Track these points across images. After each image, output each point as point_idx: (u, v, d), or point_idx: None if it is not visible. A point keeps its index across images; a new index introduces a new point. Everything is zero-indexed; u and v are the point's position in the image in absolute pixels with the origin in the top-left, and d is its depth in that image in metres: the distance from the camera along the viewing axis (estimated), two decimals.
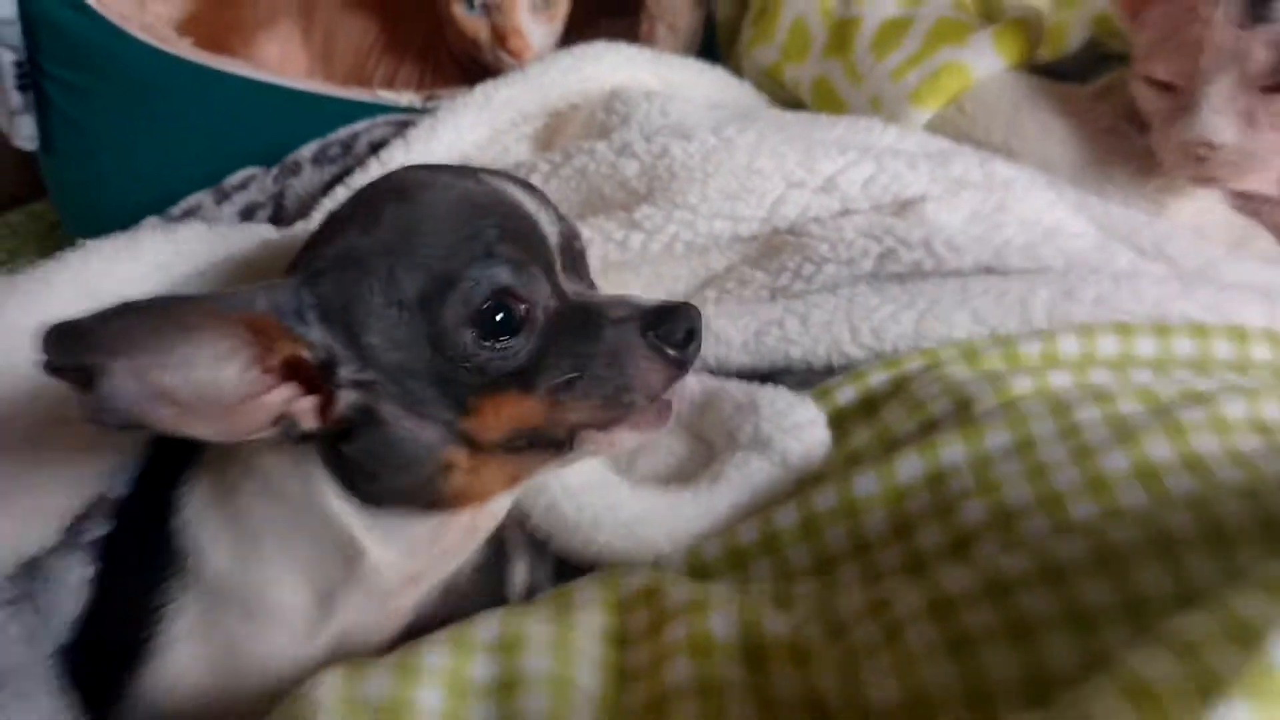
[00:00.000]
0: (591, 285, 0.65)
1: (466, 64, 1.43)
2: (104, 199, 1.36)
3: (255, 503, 0.61)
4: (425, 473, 0.58)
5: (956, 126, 1.07)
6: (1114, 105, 1.05)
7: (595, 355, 0.57)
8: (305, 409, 0.56)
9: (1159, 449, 0.62)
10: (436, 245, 0.56)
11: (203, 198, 1.13)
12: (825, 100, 1.17)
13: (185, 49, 1.31)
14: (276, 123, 1.27)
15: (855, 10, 1.16)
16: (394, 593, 0.64)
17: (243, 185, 1.11)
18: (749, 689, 0.53)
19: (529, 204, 0.61)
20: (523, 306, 0.56)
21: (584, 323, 0.58)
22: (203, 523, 0.62)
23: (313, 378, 0.56)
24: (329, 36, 1.54)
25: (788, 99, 1.23)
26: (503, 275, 0.56)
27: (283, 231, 0.74)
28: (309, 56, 1.55)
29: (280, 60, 1.53)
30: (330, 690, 0.52)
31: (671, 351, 0.58)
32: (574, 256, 0.64)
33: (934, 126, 1.08)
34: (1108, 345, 0.79)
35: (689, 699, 0.52)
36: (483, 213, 0.58)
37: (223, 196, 1.11)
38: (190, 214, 1.11)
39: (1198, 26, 0.91)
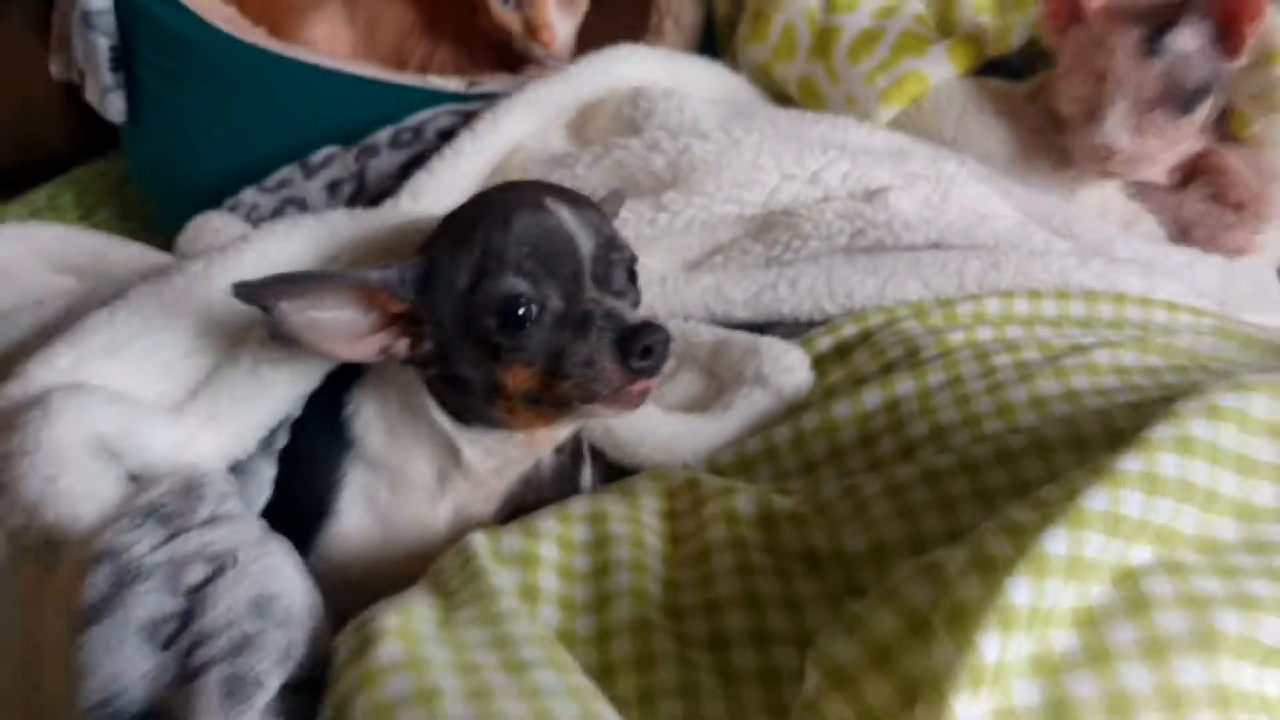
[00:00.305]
0: (620, 291, 0.81)
1: (497, 48, 1.64)
2: (185, 169, 1.55)
3: (395, 406, 0.86)
4: (478, 404, 0.82)
5: (915, 123, 1.31)
6: (1040, 108, 1.28)
7: (575, 354, 0.77)
8: (401, 345, 0.80)
9: (1048, 385, 0.86)
10: (487, 256, 0.78)
11: (291, 172, 1.33)
12: (809, 95, 1.39)
13: (261, 38, 1.51)
14: (341, 104, 1.47)
15: (836, 21, 1.38)
16: (485, 480, 0.88)
17: (326, 162, 1.32)
18: (764, 544, 0.77)
19: (572, 226, 0.79)
20: (533, 307, 0.77)
21: (579, 326, 0.76)
22: (363, 415, 0.87)
23: (407, 326, 0.80)
24: (372, 19, 1.70)
25: (777, 92, 1.45)
26: (520, 284, 0.77)
27: (400, 217, 0.96)
28: (354, 37, 1.72)
29: (328, 39, 1.70)
30: (481, 544, 0.76)
31: (634, 362, 0.75)
32: (607, 265, 0.81)
33: (897, 122, 1.31)
34: (1021, 307, 1.03)
35: (723, 550, 0.77)
36: (525, 234, 0.78)
37: (309, 171, 1.32)
38: (283, 185, 1.32)
39: (1104, 56, 1.15)
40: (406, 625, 0.66)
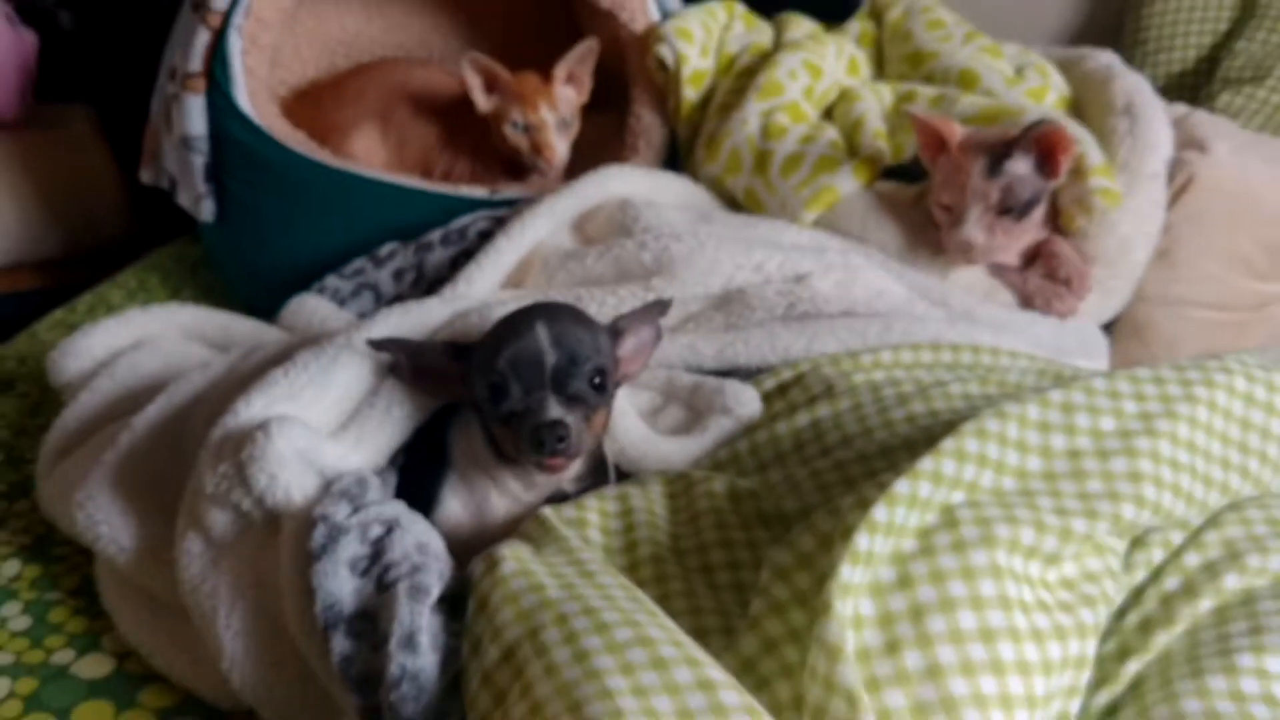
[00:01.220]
0: (574, 394, 1.10)
1: (507, 161, 2.05)
2: (263, 260, 1.92)
3: (469, 437, 1.26)
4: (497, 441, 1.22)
5: (832, 223, 1.71)
6: (921, 210, 1.70)
7: (513, 432, 1.10)
8: (463, 396, 1.21)
9: (918, 408, 1.27)
10: (491, 355, 1.14)
11: (364, 263, 1.72)
12: (753, 202, 1.80)
13: (327, 156, 1.91)
14: (390, 208, 1.84)
15: (770, 146, 1.79)
16: (520, 495, 1.27)
17: (390, 255, 1.72)
18: (733, 510, 1.16)
19: (544, 344, 1.09)
20: (505, 391, 1.09)
21: (523, 414, 1.09)
22: (455, 435, 1.26)
23: (461, 383, 1.20)
24: (402, 136, 2.09)
25: (729, 197, 1.85)
26: (497, 378, 1.09)
27: (471, 312, 1.34)
28: (387, 150, 2.11)
29: (366, 152, 2.10)
30: (550, 513, 1.15)
31: (531, 449, 1.08)
32: (567, 374, 1.09)
33: (818, 223, 1.72)
34: (905, 356, 1.45)
35: (708, 514, 1.16)
36: (511, 347, 1.10)
37: (378, 262, 1.72)
38: (357, 274, 1.71)
39: (964, 175, 1.60)
40: (516, 554, 1.06)
